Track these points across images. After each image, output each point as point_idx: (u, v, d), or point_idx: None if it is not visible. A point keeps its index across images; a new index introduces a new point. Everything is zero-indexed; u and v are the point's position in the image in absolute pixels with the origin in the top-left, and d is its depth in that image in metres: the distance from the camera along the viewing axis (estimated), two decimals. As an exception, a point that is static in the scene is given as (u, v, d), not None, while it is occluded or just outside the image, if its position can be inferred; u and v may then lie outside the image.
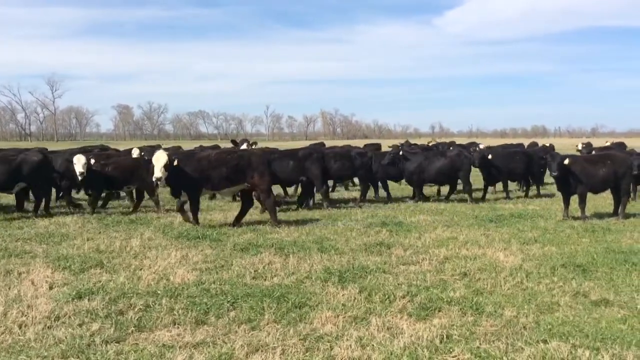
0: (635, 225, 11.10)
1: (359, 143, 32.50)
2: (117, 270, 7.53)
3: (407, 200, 15.22)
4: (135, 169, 13.22)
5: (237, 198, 13.39)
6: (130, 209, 13.44)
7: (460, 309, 5.88)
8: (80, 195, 15.83)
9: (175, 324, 5.50)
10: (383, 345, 4.96)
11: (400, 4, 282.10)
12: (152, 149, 15.91)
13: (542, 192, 17.11)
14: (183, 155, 12.04)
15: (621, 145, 23.08)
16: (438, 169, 14.94)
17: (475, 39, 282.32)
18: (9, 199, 14.60)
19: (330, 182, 17.06)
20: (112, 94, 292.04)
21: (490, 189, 17.05)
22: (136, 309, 5.86)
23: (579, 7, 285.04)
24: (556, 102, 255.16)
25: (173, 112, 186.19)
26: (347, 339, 5.06)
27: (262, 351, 4.86)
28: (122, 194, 15.75)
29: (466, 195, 15.13)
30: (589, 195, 12.17)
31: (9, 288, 6.65)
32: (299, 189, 15.33)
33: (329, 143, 31.12)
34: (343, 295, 6.34)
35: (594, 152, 16.97)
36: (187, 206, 11.17)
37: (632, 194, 14.27)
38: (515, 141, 35.39)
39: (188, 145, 26.76)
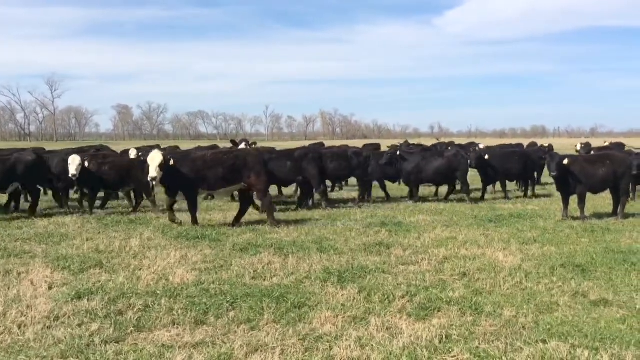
0: (635, 225, 11.10)
1: (359, 143, 32.52)
2: (117, 271, 7.53)
3: (407, 201, 15.20)
4: (131, 169, 13.21)
5: (237, 198, 13.38)
6: (130, 209, 13.44)
7: (460, 309, 5.88)
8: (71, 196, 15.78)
9: (174, 324, 5.50)
10: (382, 345, 4.96)
11: (400, 4, 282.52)
12: (150, 150, 15.90)
13: (541, 192, 17.12)
14: (179, 156, 12.02)
15: (620, 146, 23.07)
16: (435, 169, 14.98)
17: (475, 39, 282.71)
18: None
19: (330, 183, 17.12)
20: (112, 94, 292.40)
21: (489, 189, 17.07)
22: (135, 309, 5.86)
23: (579, 7, 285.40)
24: (556, 102, 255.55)
25: (172, 112, 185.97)
26: (347, 339, 5.06)
27: (261, 351, 4.86)
28: (121, 194, 15.73)
29: (465, 196, 15.15)
30: (589, 195, 12.18)
31: (9, 288, 6.65)
32: (298, 190, 15.35)
33: (328, 143, 31.12)
34: (342, 295, 6.34)
35: (592, 153, 16.95)
36: (183, 206, 11.17)
37: (631, 194, 14.29)
38: (514, 141, 35.41)
39: (187, 146, 26.72)
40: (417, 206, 14.14)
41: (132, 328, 5.36)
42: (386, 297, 6.24)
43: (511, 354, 4.79)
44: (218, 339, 5.14)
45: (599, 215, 12.38)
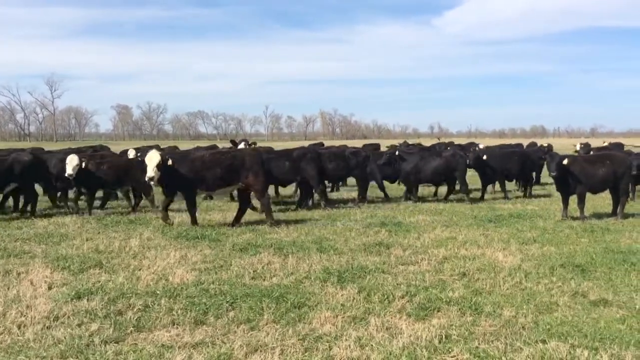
0: (634, 225, 11.11)
1: (358, 143, 32.53)
2: (116, 271, 7.53)
3: (404, 201, 15.20)
4: (129, 169, 13.22)
5: (236, 198, 13.37)
6: (129, 210, 13.44)
7: (459, 309, 5.88)
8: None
9: (174, 324, 5.50)
10: (382, 345, 4.96)
11: (400, 4, 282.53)
12: (149, 150, 15.90)
13: (541, 192, 17.12)
14: (177, 156, 12.00)
15: (619, 146, 23.10)
16: (434, 169, 15.01)
17: (474, 39, 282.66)
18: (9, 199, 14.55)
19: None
20: (112, 94, 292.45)
21: (489, 189, 17.08)
22: (135, 309, 5.86)
23: (579, 7, 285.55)
24: (555, 102, 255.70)
25: (172, 112, 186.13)
26: (346, 339, 5.06)
27: (261, 351, 4.86)
28: (121, 194, 15.73)
29: (464, 196, 15.16)
30: (588, 195, 12.19)
31: (8, 288, 6.64)
32: (298, 190, 15.35)
33: (328, 143, 31.12)
34: (342, 295, 6.34)
35: (591, 153, 16.94)
36: (182, 206, 11.16)
37: (630, 194, 14.31)
38: (514, 141, 35.43)
39: (186, 146, 26.73)
40: (417, 206, 14.14)
41: (131, 328, 5.36)
42: (386, 297, 6.24)
43: (511, 354, 4.79)
44: (218, 339, 5.14)
45: (598, 215, 12.38)
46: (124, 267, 7.71)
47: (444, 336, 5.15)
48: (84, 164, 12.59)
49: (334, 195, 17.22)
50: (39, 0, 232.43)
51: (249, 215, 11.96)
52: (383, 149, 19.69)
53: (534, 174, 19.10)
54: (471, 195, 15.47)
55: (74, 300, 6.18)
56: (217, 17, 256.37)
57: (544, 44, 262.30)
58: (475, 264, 7.81)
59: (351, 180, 16.95)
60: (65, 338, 5.10)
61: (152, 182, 10.97)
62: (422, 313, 5.78)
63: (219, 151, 13.10)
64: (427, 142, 31.18)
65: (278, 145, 25.73)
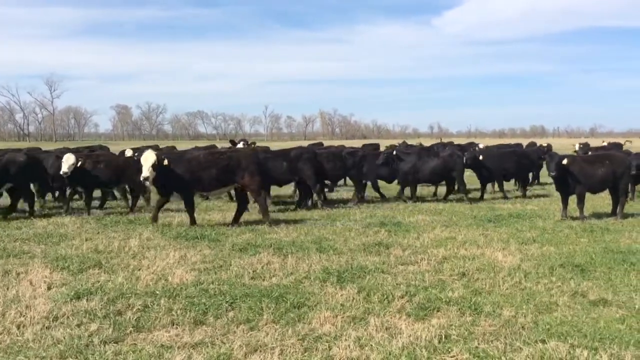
0: (634, 225, 11.11)
1: (358, 143, 32.52)
2: (116, 271, 7.52)
3: (404, 202, 15.20)
4: (125, 168, 13.22)
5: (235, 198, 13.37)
6: (127, 210, 13.45)
7: (459, 309, 5.88)
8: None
9: (173, 325, 5.50)
10: (381, 345, 4.96)
11: (400, 4, 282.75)
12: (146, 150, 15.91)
13: (540, 192, 17.12)
14: (173, 156, 11.99)
15: (618, 146, 23.08)
16: (431, 169, 15.04)
17: (474, 39, 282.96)
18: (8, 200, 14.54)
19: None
20: (111, 94, 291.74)
21: (489, 189, 17.08)
22: (134, 310, 5.86)
23: (579, 7, 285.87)
24: (556, 102, 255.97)
25: (172, 113, 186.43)
26: (346, 339, 5.06)
27: (260, 351, 4.86)
28: (119, 195, 15.74)
29: (463, 195, 15.18)
30: (588, 195, 12.19)
31: (8, 288, 6.64)
32: (296, 190, 15.35)
33: (327, 143, 31.09)
34: (342, 295, 6.34)
35: (589, 153, 16.93)
36: (181, 206, 11.16)
37: (630, 194, 14.31)
38: (514, 141, 35.43)
39: (186, 146, 26.71)
40: (417, 206, 14.14)
41: (131, 328, 5.36)
42: (385, 297, 6.24)
43: (510, 353, 4.79)
44: (217, 339, 5.14)
45: (598, 215, 12.39)
46: (124, 267, 7.70)
47: (443, 336, 5.14)
48: (79, 163, 12.59)
49: (333, 195, 17.21)
50: (39, 0, 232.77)
51: (249, 215, 11.95)
52: (383, 149, 19.66)
53: (530, 174, 19.14)
54: (470, 195, 15.47)
55: (74, 300, 6.17)
56: (217, 17, 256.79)
57: (545, 44, 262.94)
58: (474, 264, 7.81)
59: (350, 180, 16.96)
60: (64, 338, 5.10)
61: (147, 182, 10.98)
62: (421, 313, 5.78)
63: (215, 151, 13.11)
64: (428, 142, 31.12)
65: (278, 146, 25.71)
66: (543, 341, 5.00)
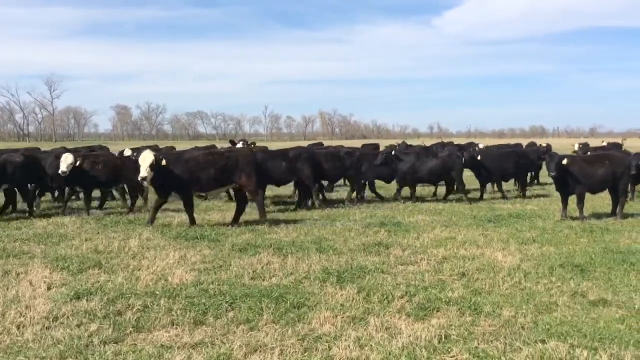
0: (634, 225, 11.11)
1: (357, 143, 32.52)
2: (116, 271, 7.52)
3: (405, 202, 15.20)
4: (122, 167, 13.21)
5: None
6: (126, 210, 13.45)
7: (459, 309, 5.88)
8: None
9: (173, 325, 5.50)
10: (381, 345, 4.96)
11: (400, 4, 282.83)
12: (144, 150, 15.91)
13: (540, 192, 17.12)
14: (171, 156, 11.98)
15: (617, 146, 23.09)
16: (430, 169, 15.05)
17: (474, 39, 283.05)
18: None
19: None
20: (111, 94, 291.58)
21: (489, 189, 17.08)
22: (134, 310, 5.86)
23: (579, 7, 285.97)
24: (556, 102, 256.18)
25: (171, 113, 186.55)
26: (346, 339, 5.06)
27: (260, 351, 4.86)
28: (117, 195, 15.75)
29: (463, 195, 15.20)
30: (587, 195, 12.20)
31: (7, 289, 6.64)
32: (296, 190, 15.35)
33: (327, 143, 31.09)
34: (341, 295, 6.34)
35: (588, 153, 16.93)
36: (180, 206, 11.15)
37: (630, 194, 14.32)
38: (513, 141, 35.44)
39: (185, 146, 26.70)
40: (416, 206, 14.14)
41: (131, 328, 5.36)
42: (385, 297, 6.24)
43: (510, 353, 4.79)
44: (217, 339, 5.14)
45: (597, 215, 12.39)
46: (123, 268, 7.70)
47: (443, 336, 5.15)
48: (78, 163, 12.58)
49: (333, 195, 17.21)
50: (39, 0, 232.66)
51: (248, 215, 11.96)
52: (382, 149, 19.66)
53: (530, 174, 19.13)
54: (470, 195, 15.47)
55: (73, 300, 6.17)
56: (217, 17, 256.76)
57: (545, 44, 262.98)
58: (474, 264, 7.81)
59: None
60: (64, 338, 5.10)
61: (145, 182, 10.98)
62: (421, 313, 5.78)
63: (213, 152, 13.14)
64: (428, 142, 31.10)
65: (277, 146, 25.68)
66: (543, 341, 5.00)
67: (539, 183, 20.50)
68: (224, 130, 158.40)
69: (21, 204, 13.43)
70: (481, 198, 15.59)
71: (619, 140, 27.43)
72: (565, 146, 25.28)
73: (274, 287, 6.65)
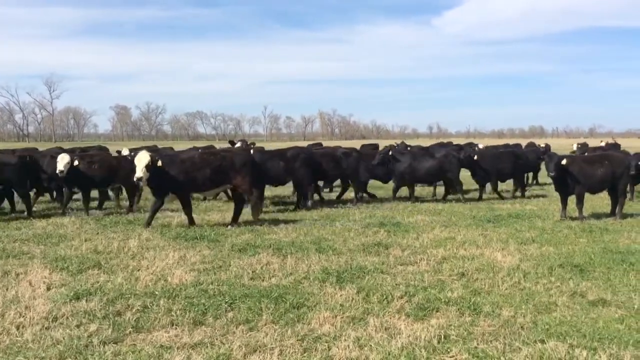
0: (633, 225, 11.12)
1: (357, 143, 32.51)
2: (115, 271, 7.52)
3: (393, 200, 15.21)
4: (118, 167, 13.21)
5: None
6: (123, 210, 13.44)
7: (458, 309, 5.89)
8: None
9: (173, 325, 5.50)
10: (381, 345, 4.96)
11: (400, 4, 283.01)
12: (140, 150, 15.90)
13: (539, 192, 17.11)
14: (167, 157, 11.96)
15: (616, 146, 23.09)
16: (427, 169, 15.07)
17: (474, 39, 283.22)
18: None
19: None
20: (111, 95, 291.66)
21: (489, 189, 17.06)
22: (134, 310, 5.86)
23: (579, 7, 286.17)
24: (555, 102, 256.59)
25: (171, 113, 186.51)
26: (345, 340, 5.06)
27: (260, 352, 4.86)
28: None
29: (465, 195, 15.22)
30: (587, 195, 12.20)
31: (7, 289, 6.64)
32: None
33: (326, 144, 31.07)
34: (341, 295, 6.34)
35: (586, 153, 16.89)
36: (179, 206, 11.16)
37: (629, 194, 14.32)
38: (512, 141, 35.44)
39: (185, 146, 26.69)
40: (416, 206, 14.14)
41: (130, 329, 5.36)
42: (385, 297, 6.25)
43: (509, 354, 4.79)
44: (216, 339, 5.14)
45: (597, 216, 12.40)
46: (123, 268, 7.70)
47: (442, 336, 5.15)
48: (75, 162, 12.57)
49: (332, 195, 17.21)
50: (39, 0, 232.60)
51: (247, 215, 11.95)
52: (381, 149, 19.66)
53: (528, 174, 19.11)
54: (469, 195, 15.47)
55: (73, 300, 6.17)
56: (217, 17, 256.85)
57: (545, 44, 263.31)
58: (474, 264, 7.82)
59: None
60: (64, 339, 5.10)
61: (140, 183, 10.97)
62: (420, 313, 5.78)
63: (208, 152, 13.16)
64: (427, 143, 31.09)
65: (276, 147, 25.67)
66: (542, 341, 5.01)
67: (538, 183, 20.50)
68: (224, 131, 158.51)
69: (20, 205, 13.43)
70: (480, 198, 15.59)
71: (609, 140, 27.42)
72: (564, 146, 25.35)
73: (273, 288, 6.66)
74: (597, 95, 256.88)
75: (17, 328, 5.38)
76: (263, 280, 7.07)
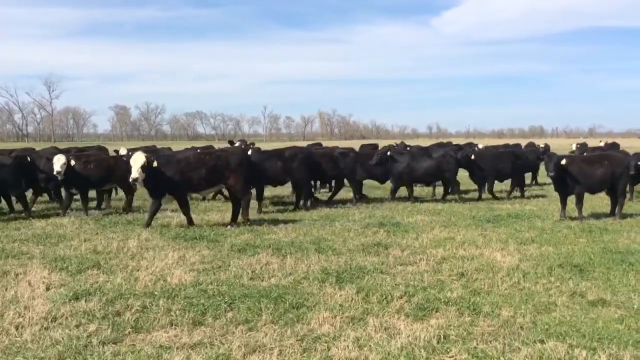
0: (632, 225, 11.12)
1: (356, 144, 32.51)
2: (114, 271, 7.52)
3: (390, 201, 15.20)
4: (114, 167, 13.20)
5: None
6: (121, 210, 13.44)
7: (458, 309, 5.89)
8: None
9: (172, 325, 5.50)
10: (380, 345, 4.96)
11: (399, 4, 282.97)
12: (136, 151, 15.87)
13: (539, 192, 17.10)
14: (162, 157, 11.94)
15: (615, 146, 23.12)
16: (425, 169, 15.09)
17: (473, 39, 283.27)
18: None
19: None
20: (111, 95, 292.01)
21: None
22: (133, 310, 5.86)
23: (579, 7, 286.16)
24: (555, 102, 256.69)
25: (170, 113, 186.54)
26: (345, 340, 5.06)
27: (259, 352, 4.86)
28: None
29: (464, 196, 15.23)
30: (586, 195, 12.20)
31: (6, 289, 6.63)
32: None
33: (326, 144, 31.06)
34: (340, 295, 6.34)
35: (585, 154, 16.88)
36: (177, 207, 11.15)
37: (629, 195, 14.32)
38: (512, 141, 35.45)
39: (184, 147, 26.68)
40: (415, 206, 14.14)
41: (129, 329, 5.35)
42: (384, 297, 6.25)
43: (509, 354, 4.79)
44: (216, 339, 5.14)
45: (596, 216, 12.40)
46: (122, 268, 7.70)
47: (442, 336, 5.15)
48: (71, 163, 12.56)
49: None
50: (39, 0, 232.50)
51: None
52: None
53: (528, 174, 19.07)
54: (469, 195, 15.46)
55: (72, 301, 6.17)
56: (217, 17, 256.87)
57: (544, 44, 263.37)
58: (473, 264, 7.81)
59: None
60: (63, 339, 5.09)
61: (136, 184, 10.97)
62: (420, 313, 5.78)
63: (204, 152, 13.17)
64: (427, 143, 31.10)
65: (275, 147, 25.67)
66: (542, 341, 5.01)
67: (537, 183, 20.49)
68: (223, 131, 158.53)
69: (19, 205, 13.41)
70: (479, 198, 15.58)
71: (605, 142, 27.40)
72: (563, 146, 25.37)
73: (272, 288, 6.65)
74: (597, 95, 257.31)
75: (16, 328, 5.38)
76: (262, 281, 7.07)
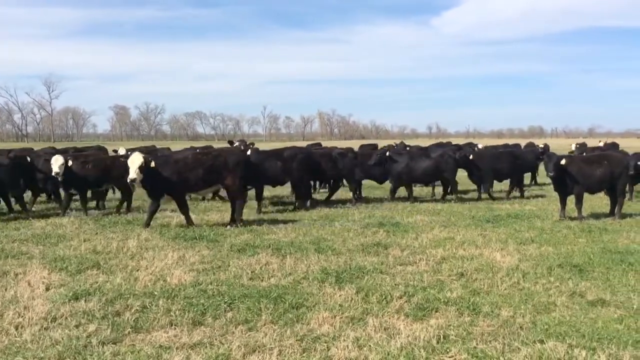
0: (632, 225, 11.12)
1: (356, 144, 32.51)
2: (114, 271, 7.52)
3: (389, 201, 15.20)
4: (112, 168, 13.20)
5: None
6: (114, 210, 13.43)
7: (457, 309, 5.89)
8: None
9: (172, 325, 5.50)
10: (380, 345, 4.96)
11: (399, 4, 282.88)
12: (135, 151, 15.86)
13: (538, 192, 17.10)
14: (160, 157, 11.93)
15: (614, 146, 23.11)
16: (424, 169, 15.09)
17: (473, 39, 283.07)
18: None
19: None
20: (110, 95, 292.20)
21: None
22: (133, 310, 5.85)
23: (579, 7, 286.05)
24: (555, 102, 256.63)
25: (170, 113, 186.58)
26: (344, 340, 5.06)
27: (259, 352, 4.86)
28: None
29: (464, 196, 15.21)
30: (586, 195, 12.21)
31: (6, 289, 6.63)
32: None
33: (326, 144, 31.06)
34: (340, 295, 6.34)
35: (584, 154, 16.87)
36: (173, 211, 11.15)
37: (628, 195, 14.33)
38: (512, 141, 35.45)
39: (183, 147, 26.69)
40: (415, 206, 14.15)
41: (129, 329, 5.35)
42: (384, 297, 6.25)
43: (509, 354, 4.79)
44: (216, 339, 5.14)
45: (596, 216, 12.40)
46: (122, 268, 7.70)
47: (442, 336, 5.15)
48: (69, 163, 12.55)
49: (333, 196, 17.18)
50: (39, 0, 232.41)
51: (247, 215, 11.96)
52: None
53: (527, 175, 19.06)
54: (468, 196, 15.45)
55: (72, 301, 6.17)
56: (217, 17, 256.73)
57: (544, 44, 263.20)
58: (473, 264, 7.82)
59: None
60: (62, 339, 5.09)
61: (134, 184, 10.97)
62: (420, 313, 5.78)
63: (201, 152, 13.16)
64: (427, 143, 31.10)
65: (275, 147, 25.69)
66: (541, 341, 5.01)
67: (536, 184, 20.49)
68: (223, 131, 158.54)
69: (18, 205, 13.41)
70: (479, 198, 15.59)
71: (607, 141, 27.41)
72: (563, 146, 25.35)
73: (272, 288, 6.65)
74: (597, 95, 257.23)
75: (16, 328, 5.38)
76: (262, 281, 7.07)
